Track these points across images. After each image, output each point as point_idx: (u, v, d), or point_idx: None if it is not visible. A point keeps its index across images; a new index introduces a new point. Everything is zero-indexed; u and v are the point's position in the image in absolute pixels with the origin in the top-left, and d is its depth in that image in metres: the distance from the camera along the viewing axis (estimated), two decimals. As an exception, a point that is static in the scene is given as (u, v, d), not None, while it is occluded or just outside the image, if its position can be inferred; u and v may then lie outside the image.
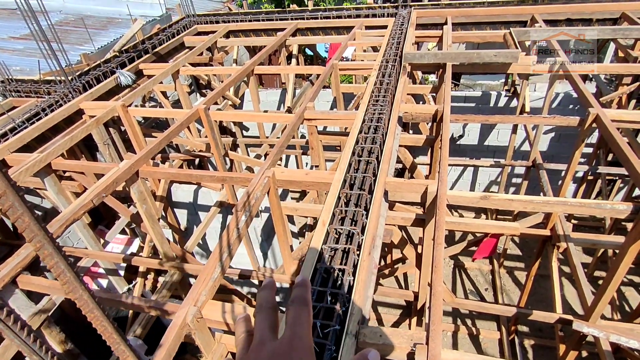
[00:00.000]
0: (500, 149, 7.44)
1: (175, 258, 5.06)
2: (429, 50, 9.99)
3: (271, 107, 8.55)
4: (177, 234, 6.67)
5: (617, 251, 5.65)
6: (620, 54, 5.71)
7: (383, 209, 3.38)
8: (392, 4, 6.79)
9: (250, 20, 7.39)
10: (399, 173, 7.34)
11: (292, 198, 8.48)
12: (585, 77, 6.84)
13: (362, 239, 2.82)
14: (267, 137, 7.41)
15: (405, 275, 6.88)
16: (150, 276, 6.08)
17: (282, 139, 3.97)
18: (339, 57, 5.52)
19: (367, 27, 6.56)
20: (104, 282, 6.08)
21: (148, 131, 7.02)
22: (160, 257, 4.93)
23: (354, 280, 2.52)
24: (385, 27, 6.27)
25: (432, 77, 10.46)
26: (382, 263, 6.98)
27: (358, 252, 2.72)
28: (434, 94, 5.46)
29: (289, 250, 4.17)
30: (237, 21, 7.46)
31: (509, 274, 6.63)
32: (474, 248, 4.80)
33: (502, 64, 4.80)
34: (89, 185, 5.16)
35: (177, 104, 7.73)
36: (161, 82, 6.63)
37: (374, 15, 6.69)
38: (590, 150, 6.64)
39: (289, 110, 6.89)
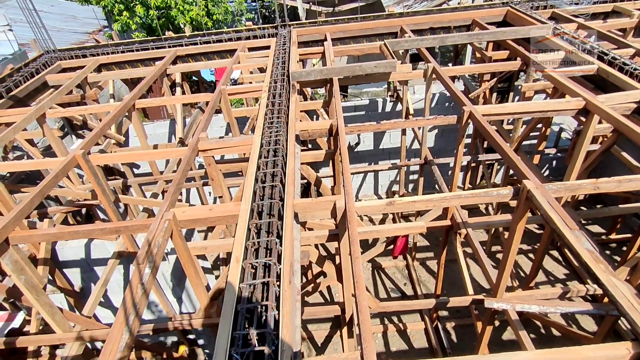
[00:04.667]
0: (395, 151, 7.94)
1: (72, 327, 4.41)
2: (313, 65, 10.33)
3: (161, 140, 8.02)
4: (71, 298, 5.83)
5: (505, 228, 6.35)
6: (477, 55, 6.49)
7: (296, 232, 3.31)
8: (271, 25, 6.85)
9: (123, 52, 6.86)
10: (305, 188, 7.38)
11: (198, 232, 8.01)
12: (453, 78, 7.63)
13: (280, 268, 2.71)
14: (161, 173, 6.91)
15: (328, 287, 6.90)
16: (45, 351, 5.21)
17: (178, 175, 3.69)
18: (226, 81, 5.37)
19: (250, 49, 6.52)
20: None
21: (16, 187, 6.08)
22: (54, 329, 4.24)
23: (279, 314, 2.40)
24: (268, 47, 6.29)
25: (322, 91, 10.83)
26: (304, 280, 6.92)
27: (278, 283, 2.60)
28: (326, 108, 5.60)
29: (204, 292, 3.88)
30: (108, 53, 6.87)
31: (422, 265, 7.05)
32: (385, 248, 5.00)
33: (383, 74, 5.11)
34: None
35: (49, 151, 6.83)
36: (25, 129, 5.80)
37: (255, 37, 6.68)
38: (469, 141, 7.42)
39: (182, 142, 6.52)
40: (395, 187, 8.52)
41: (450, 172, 8.27)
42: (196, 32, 7.16)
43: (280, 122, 4.21)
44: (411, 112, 6.42)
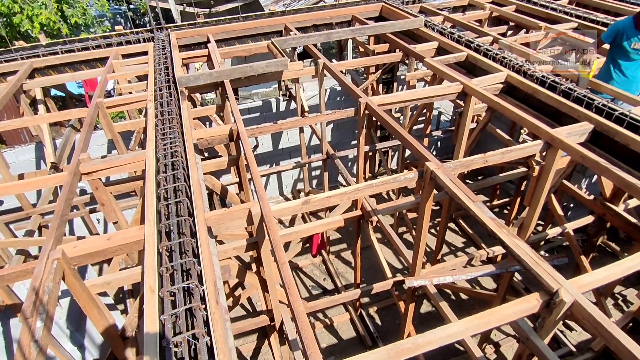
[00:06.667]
0: (295, 149, 7.94)
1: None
2: (197, 70, 9.83)
3: (27, 168, 6.84)
4: None
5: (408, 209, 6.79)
6: (361, 50, 6.79)
7: (212, 247, 3.07)
8: (146, 29, 6.29)
9: (-41, 69, 5.68)
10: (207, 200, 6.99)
11: (92, 265, 7.07)
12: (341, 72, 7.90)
13: (203, 290, 2.48)
14: (34, 206, 5.91)
15: (249, 297, 6.64)
16: None
17: (61, 205, 3.17)
18: (101, 93, 4.78)
19: (125, 56, 5.90)
20: None
21: None
22: None
23: (211, 340, 2.19)
24: (145, 53, 5.77)
25: (210, 96, 10.37)
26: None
27: (204, 307, 2.37)
28: (220, 113, 5.34)
29: (114, 333, 3.40)
30: (-61, 72, 5.63)
31: (338, 258, 7.19)
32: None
33: (275, 73, 5.03)
34: None
35: None
36: None
37: (129, 42, 6.06)
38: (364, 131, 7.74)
39: (55, 167, 5.66)
40: (300, 186, 8.54)
41: (350, 163, 8.59)
42: (55, 40, 6.25)
43: (174, 132, 3.88)
44: (306, 109, 6.46)
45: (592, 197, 4.90)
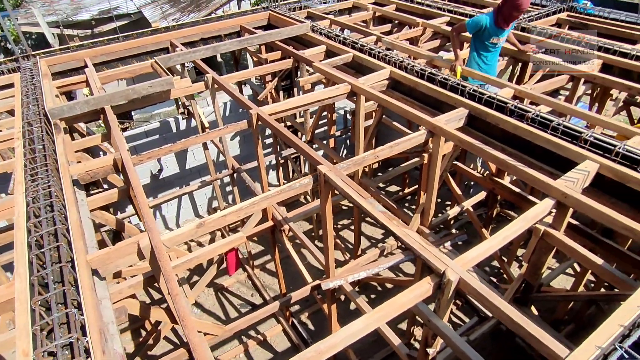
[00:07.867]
0: (203, 167, 7.64)
1: None
2: (86, 96, 9.09)
3: None
4: None
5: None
6: (254, 59, 6.74)
7: (101, 290, 2.81)
8: (9, 59, 5.65)
9: None
10: (115, 234, 6.48)
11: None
12: (240, 84, 7.78)
13: (87, 341, 2.25)
14: None
15: (174, 329, 6.26)
16: None
17: None
18: (-42, 137, 4.19)
19: (-13, 92, 5.26)
20: None
21: None
22: None
23: (97, 397, 1.98)
24: (11, 85, 5.18)
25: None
26: (144, 334, 6.13)
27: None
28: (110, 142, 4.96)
29: (-1, 410, 2.97)
30: None
31: (263, 271, 7.04)
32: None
33: (162, 93, 4.79)
34: None
35: None
36: None
37: (-10, 76, 5.41)
38: (271, 140, 7.71)
39: None
40: (215, 203, 8.26)
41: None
42: None
43: (48, 171, 3.50)
44: (206, 125, 6.25)
45: (486, 173, 5.31)
